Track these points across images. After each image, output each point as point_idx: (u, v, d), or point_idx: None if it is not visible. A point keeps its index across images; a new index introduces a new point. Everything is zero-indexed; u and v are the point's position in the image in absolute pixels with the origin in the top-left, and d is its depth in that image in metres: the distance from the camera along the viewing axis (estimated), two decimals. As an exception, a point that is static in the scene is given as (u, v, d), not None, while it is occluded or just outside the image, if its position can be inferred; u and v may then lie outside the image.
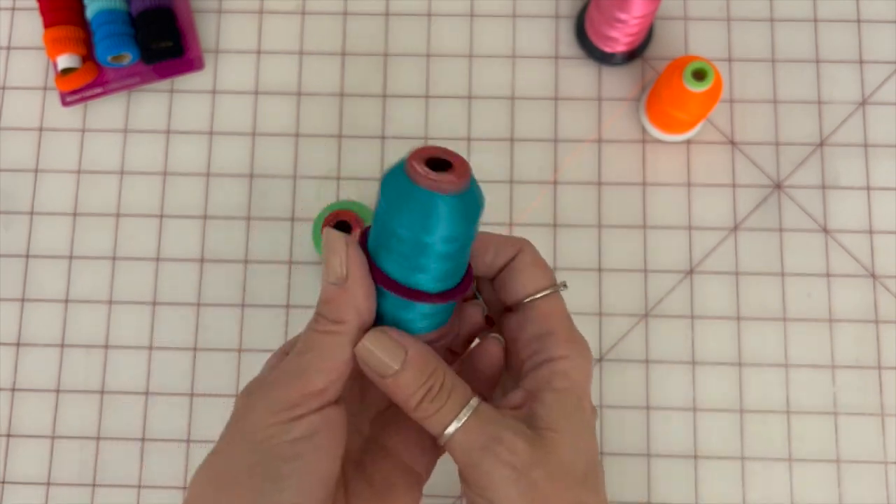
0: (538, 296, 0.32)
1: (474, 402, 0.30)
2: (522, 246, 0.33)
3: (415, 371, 0.29)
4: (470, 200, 0.28)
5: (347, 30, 0.60)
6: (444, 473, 0.54)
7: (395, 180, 0.28)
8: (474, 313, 0.34)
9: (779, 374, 0.55)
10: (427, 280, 0.29)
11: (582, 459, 0.30)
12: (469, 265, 0.31)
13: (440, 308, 0.30)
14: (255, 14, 0.61)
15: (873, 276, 0.56)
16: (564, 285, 0.33)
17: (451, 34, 0.60)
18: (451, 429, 0.29)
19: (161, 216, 0.58)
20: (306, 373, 0.29)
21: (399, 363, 0.29)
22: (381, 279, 0.29)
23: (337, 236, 0.29)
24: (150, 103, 0.60)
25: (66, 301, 0.57)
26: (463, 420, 0.29)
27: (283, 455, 0.28)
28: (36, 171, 0.59)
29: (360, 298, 0.29)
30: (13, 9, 0.61)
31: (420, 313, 0.30)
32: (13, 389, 0.55)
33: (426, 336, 0.31)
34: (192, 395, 0.55)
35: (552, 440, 0.29)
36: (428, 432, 0.31)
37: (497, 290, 0.34)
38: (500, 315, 0.35)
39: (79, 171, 0.59)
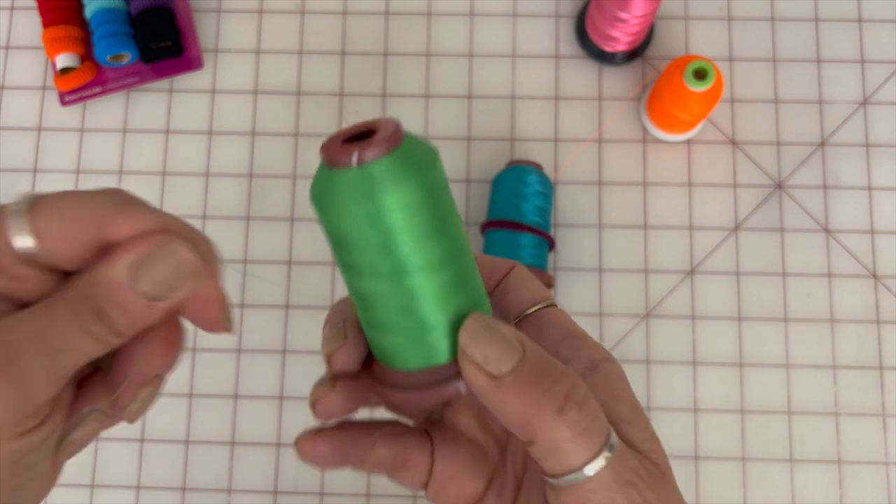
0: (543, 305, 0.28)
1: (614, 435, 0.23)
2: (514, 264, 0.29)
3: (547, 368, 0.22)
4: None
5: (347, 29, 0.60)
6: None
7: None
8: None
9: (780, 374, 0.55)
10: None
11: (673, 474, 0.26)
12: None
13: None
14: (254, 13, 0.61)
15: (874, 276, 0.56)
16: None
17: (451, 33, 0.60)
18: (598, 464, 0.22)
19: (160, 216, 0.58)
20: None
21: (519, 356, 0.22)
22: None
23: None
24: (148, 103, 0.59)
25: (65, 301, 0.57)
26: (609, 454, 0.23)
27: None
28: (35, 170, 0.58)
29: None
30: (12, 8, 0.61)
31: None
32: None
33: None
34: (191, 395, 0.55)
35: (662, 465, 0.24)
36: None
37: (499, 308, 0.29)
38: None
39: (77, 171, 0.58)
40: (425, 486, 0.27)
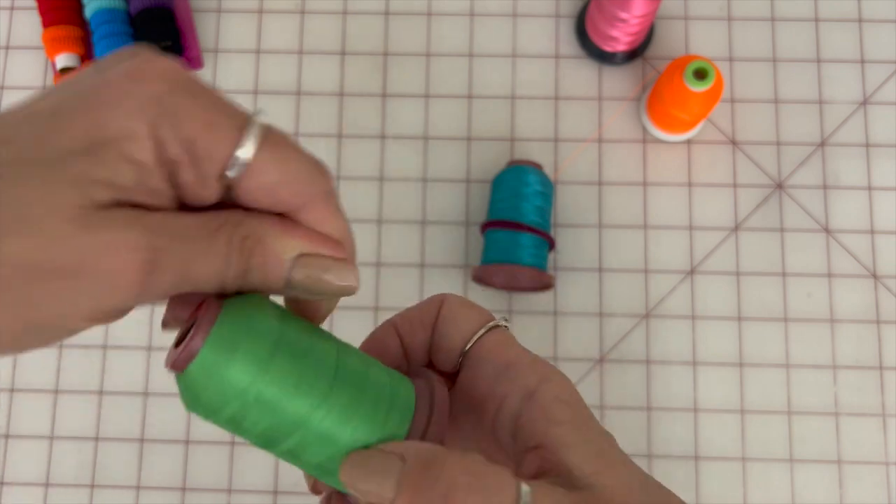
0: (480, 333, 0.27)
1: (525, 488, 0.22)
2: (444, 297, 0.28)
3: (426, 479, 0.22)
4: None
5: (347, 29, 0.60)
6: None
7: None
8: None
9: (780, 374, 0.55)
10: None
11: (634, 480, 0.25)
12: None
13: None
14: (254, 13, 0.61)
15: (874, 276, 0.56)
16: (505, 319, 0.28)
17: (451, 33, 0.60)
18: None
19: (160, 216, 0.58)
20: None
21: (396, 476, 0.22)
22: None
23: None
24: (149, 103, 0.59)
25: (65, 301, 0.56)
26: None
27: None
28: (34, 170, 0.58)
29: None
30: (12, 8, 0.61)
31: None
32: (11, 390, 0.55)
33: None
34: (191, 395, 0.55)
35: (605, 487, 0.24)
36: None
37: (435, 355, 0.28)
38: (452, 383, 0.29)
39: (77, 171, 0.58)
40: None
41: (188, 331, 0.22)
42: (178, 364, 0.22)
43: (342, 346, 0.24)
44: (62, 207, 0.19)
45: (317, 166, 0.23)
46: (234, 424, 0.23)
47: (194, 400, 0.22)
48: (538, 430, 0.24)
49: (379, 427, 0.23)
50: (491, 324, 0.27)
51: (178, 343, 0.22)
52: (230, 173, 0.21)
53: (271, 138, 0.22)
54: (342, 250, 0.23)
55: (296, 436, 0.23)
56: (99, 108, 0.20)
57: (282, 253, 0.22)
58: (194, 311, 0.22)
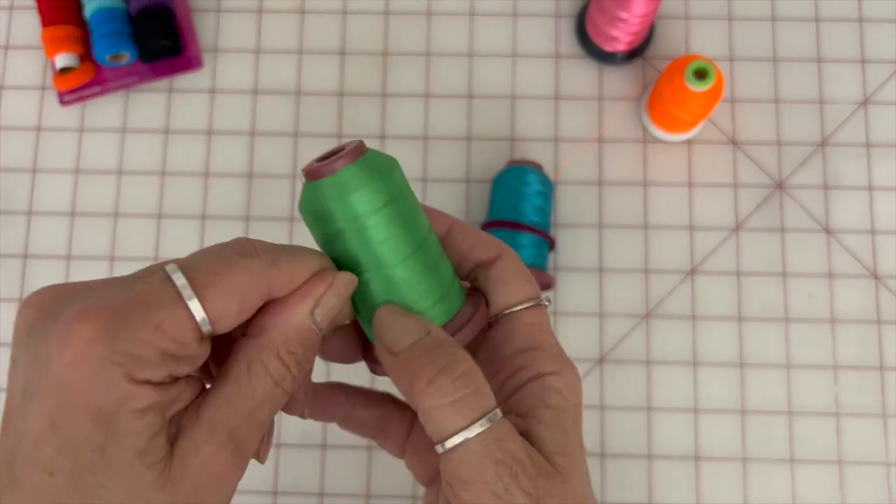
0: (523, 306, 0.28)
1: (498, 412, 0.25)
2: (503, 251, 0.29)
3: (433, 345, 0.25)
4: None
5: (347, 29, 0.60)
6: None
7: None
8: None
9: (780, 374, 0.54)
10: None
11: (587, 489, 0.27)
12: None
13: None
14: (254, 13, 0.61)
15: (875, 276, 0.56)
16: (548, 300, 0.30)
17: (451, 33, 0.60)
18: (468, 433, 0.24)
19: (159, 216, 0.58)
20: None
21: (415, 338, 0.25)
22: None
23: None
24: (148, 102, 0.59)
25: (64, 301, 0.56)
26: (485, 427, 0.24)
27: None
28: (34, 170, 0.58)
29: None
30: (11, 8, 0.61)
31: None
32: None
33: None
34: (190, 395, 0.55)
35: (563, 468, 0.25)
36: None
37: (488, 299, 0.30)
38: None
39: (77, 171, 0.58)
40: (403, 453, 0.31)
41: (332, 155, 0.26)
42: (316, 173, 0.26)
43: (431, 232, 0.28)
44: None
45: (245, 263, 0.25)
46: (328, 238, 0.27)
47: (311, 206, 0.26)
48: (527, 404, 0.27)
49: (428, 304, 0.27)
50: (534, 302, 0.29)
51: (320, 160, 0.26)
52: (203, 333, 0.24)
53: (204, 286, 0.24)
54: (320, 278, 0.26)
55: (368, 273, 0.27)
56: None
57: (301, 323, 0.25)
58: (342, 145, 0.27)
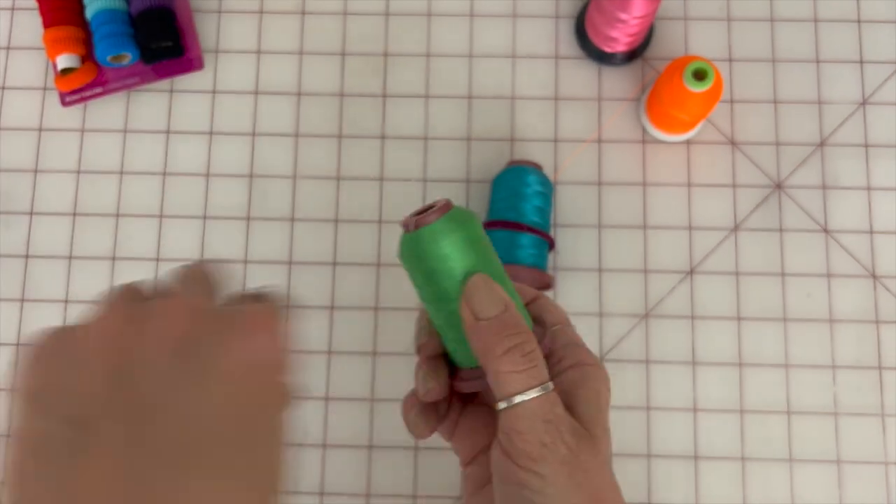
0: (559, 326, 0.36)
1: (550, 385, 0.32)
2: (539, 293, 0.37)
3: (512, 323, 0.32)
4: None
5: (347, 30, 0.60)
6: (444, 474, 0.54)
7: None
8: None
9: (779, 374, 0.55)
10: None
11: (611, 461, 0.33)
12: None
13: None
14: (254, 14, 0.61)
15: (873, 276, 0.56)
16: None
17: (451, 34, 0.60)
18: (527, 395, 0.31)
19: (161, 216, 0.58)
20: None
21: (499, 311, 0.31)
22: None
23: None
24: (149, 103, 0.60)
25: (66, 301, 0.57)
26: (540, 393, 0.31)
27: None
28: (35, 171, 0.59)
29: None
30: (13, 9, 0.61)
31: None
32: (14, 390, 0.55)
33: None
34: (191, 395, 0.55)
35: (595, 436, 0.32)
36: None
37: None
38: None
39: (78, 172, 0.59)
40: (452, 435, 0.36)
41: (423, 212, 0.33)
42: (414, 224, 0.32)
43: (505, 274, 0.34)
44: None
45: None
46: (425, 276, 0.33)
47: (409, 253, 0.33)
48: (570, 383, 0.33)
49: None
50: (566, 324, 0.36)
51: (415, 214, 0.33)
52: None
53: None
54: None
55: (455, 304, 0.32)
56: None
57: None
58: (430, 204, 0.33)
